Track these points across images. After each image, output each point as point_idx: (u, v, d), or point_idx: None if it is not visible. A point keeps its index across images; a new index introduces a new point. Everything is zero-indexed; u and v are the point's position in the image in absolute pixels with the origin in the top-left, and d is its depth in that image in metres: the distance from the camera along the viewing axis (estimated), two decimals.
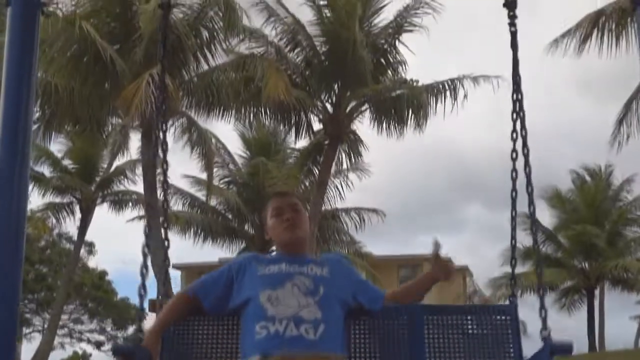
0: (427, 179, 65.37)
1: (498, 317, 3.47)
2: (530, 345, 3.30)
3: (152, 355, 3.28)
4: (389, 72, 21.85)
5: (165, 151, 3.94)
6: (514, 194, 3.66)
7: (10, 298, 2.94)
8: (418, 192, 62.64)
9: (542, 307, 3.34)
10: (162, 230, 3.93)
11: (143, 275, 3.54)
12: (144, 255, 3.57)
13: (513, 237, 3.70)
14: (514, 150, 3.66)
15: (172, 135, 19.80)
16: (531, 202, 3.56)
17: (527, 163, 3.53)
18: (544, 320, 3.28)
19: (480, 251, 68.55)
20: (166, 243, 3.90)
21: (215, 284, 3.46)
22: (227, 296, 3.41)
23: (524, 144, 3.58)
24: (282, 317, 3.16)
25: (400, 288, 3.69)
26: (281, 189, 19.12)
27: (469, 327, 3.45)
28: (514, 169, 3.65)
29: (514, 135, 3.66)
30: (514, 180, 3.65)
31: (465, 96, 19.79)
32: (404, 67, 21.85)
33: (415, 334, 3.45)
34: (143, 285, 3.56)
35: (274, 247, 3.72)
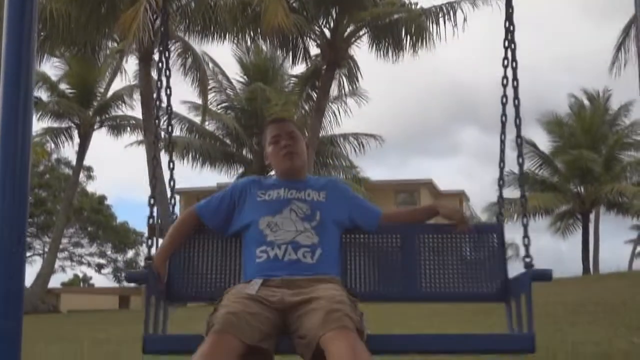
0: (423, 104, 65.29)
1: (485, 235, 3.65)
2: (522, 267, 3.42)
3: (161, 276, 3.48)
4: None
5: (168, 77, 3.98)
6: (503, 118, 3.78)
7: (17, 225, 3.00)
8: (414, 116, 62.64)
9: (526, 235, 3.49)
10: (168, 154, 3.99)
11: (154, 187, 3.76)
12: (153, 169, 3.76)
13: (502, 160, 3.82)
14: (505, 77, 3.74)
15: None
16: (519, 136, 3.65)
17: (516, 95, 3.63)
18: (527, 248, 3.44)
19: (477, 176, 68.87)
20: (171, 165, 3.97)
21: (219, 206, 3.59)
22: (229, 218, 3.56)
23: (514, 76, 3.67)
24: (281, 243, 3.30)
25: (398, 211, 3.82)
26: (278, 115, 19.10)
27: (458, 246, 3.64)
28: (504, 95, 3.74)
29: (505, 62, 3.74)
30: (504, 105, 3.76)
31: (465, 20, 19.60)
32: None
33: (407, 253, 3.63)
34: (153, 197, 3.71)
35: (272, 172, 3.80)
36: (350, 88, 23.14)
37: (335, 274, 3.34)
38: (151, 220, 3.62)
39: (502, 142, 3.79)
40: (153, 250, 3.58)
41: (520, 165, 3.67)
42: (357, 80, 22.63)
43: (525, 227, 3.53)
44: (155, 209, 3.68)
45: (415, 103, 65.00)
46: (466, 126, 72.18)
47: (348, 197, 3.66)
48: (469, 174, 68.06)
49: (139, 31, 15.63)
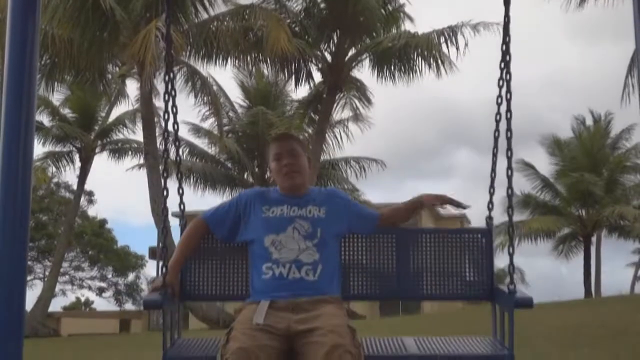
0: (416, 126, 65.40)
1: (475, 237, 3.91)
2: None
3: (175, 290, 3.70)
4: (390, 21, 21.74)
5: (173, 97, 3.97)
6: (496, 134, 3.91)
7: (18, 249, 3.01)
8: (408, 139, 62.73)
9: (511, 263, 3.61)
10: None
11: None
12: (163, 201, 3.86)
13: (493, 170, 3.96)
14: (500, 96, 3.84)
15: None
16: (509, 148, 3.71)
17: (508, 108, 3.72)
18: (511, 275, 3.55)
19: (473, 198, 68.85)
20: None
21: (226, 217, 3.83)
22: (236, 228, 3.81)
23: (508, 91, 3.75)
24: (285, 261, 3.57)
25: (390, 211, 3.99)
26: (282, 132, 19.17)
27: (449, 248, 3.89)
28: (498, 112, 3.88)
29: (500, 82, 3.83)
30: (497, 122, 3.89)
31: (466, 45, 19.65)
32: (404, 17, 21.79)
33: (401, 254, 3.88)
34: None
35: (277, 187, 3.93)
36: (362, 111, 23.22)
37: (336, 292, 3.63)
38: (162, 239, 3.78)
39: (494, 155, 3.94)
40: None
41: (509, 178, 3.71)
42: (370, 103, 22.70)
43: (511, 255, 3.65)
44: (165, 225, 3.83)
45: (408, 125, 65.12)
46: (460, 148, 72.33)
47: (346, 207, 3.89)
48: (465, 196, 68.03)
49: (155, 60, 15.67)
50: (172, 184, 3.80)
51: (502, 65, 3.79)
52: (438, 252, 3.86)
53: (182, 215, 3.97)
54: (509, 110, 3.70)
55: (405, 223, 3.96)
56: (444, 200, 3.90)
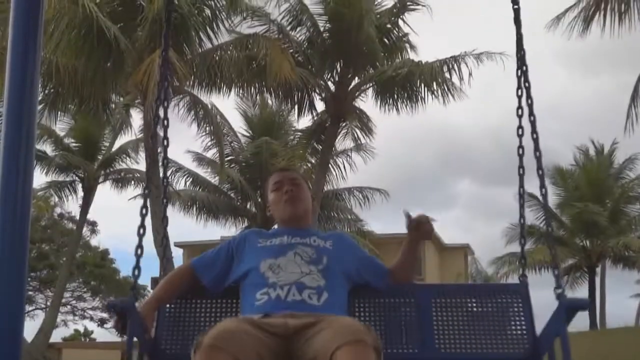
0: (416, 156, 65.47)
1: (509, 297, 3.41)
2: (537, 324, 3.28)
3: (147, 325, 3.23)
4: (393, 50, 21.81)
5: (166, 127, 3.86)
6: (521, 170, 3.58)
7: (17, 279, 2.95)
8: (406, 168, 62.74)
9: (556, 267, 3.28)
10: (162, 208, 3.90)
11: (138, 257, 3.46)
12: (139, 236, 3.48)
13: (522, 216, 3.61)
14: (520, 126, 3.57)
15: (175, 113, 19.74)
16: (542, 186, 3.45)
17: (536, 148, 3.44)
18: (557, 278, 3.20)
19: (473, 228, 68.66)
20: (164, 221, 3.87)
21: (215, 260, 3.40)
22: (227, 271, 3.35)
23: (532, 122, 3.49)
24: (284, 284, 3.05)
25: (393, 264, 3.51)
26: (282, 165, 19.15)
27: (478, 307, 3.40)
28: (521, 146, 3.57)
29: (520, 111, 3.58)
30: (520, 156, 3.57)
31: (470, 74, 19.69)
32: (407, 46, 21.85)
33: (423, 315, 3.38)
34: (137, 267, 3.46)
35: (275, 225, 3.66)
36: (364, 141, 23.20)
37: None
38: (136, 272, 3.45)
39: (521, 196, 3.58)
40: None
41: (544, 196, 3.44)
42: (372, 133, 22.68)
43: (555, 256, 3.33)
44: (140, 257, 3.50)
45: (407, 154, 65.20)
46: (461, 178, 72.35)
47: (355, 250, 3.47)
48: (466, 225, 67.86)
49: (156, 87, 15.67)
50: (174, 214, 3.65)
51: (520, 92, 3.56)
52: (465, 314, 3.38)
53: (165, 248, 3.77)
54: (534, 132, 3.42)
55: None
56: (417, 225, 3.32)
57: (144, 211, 3.49)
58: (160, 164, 3.97)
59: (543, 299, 3.56)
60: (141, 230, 3.45)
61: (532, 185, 3.56)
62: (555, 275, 3.22)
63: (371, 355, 2.50)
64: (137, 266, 3.39)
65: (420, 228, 3.33)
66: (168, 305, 3.47)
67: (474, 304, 3.40)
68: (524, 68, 3.56)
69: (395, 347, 3.34)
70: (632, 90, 17.36)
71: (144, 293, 43.82)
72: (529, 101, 3.51)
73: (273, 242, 3.30)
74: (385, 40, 21.54)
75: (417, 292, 3.43)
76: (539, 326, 3.25)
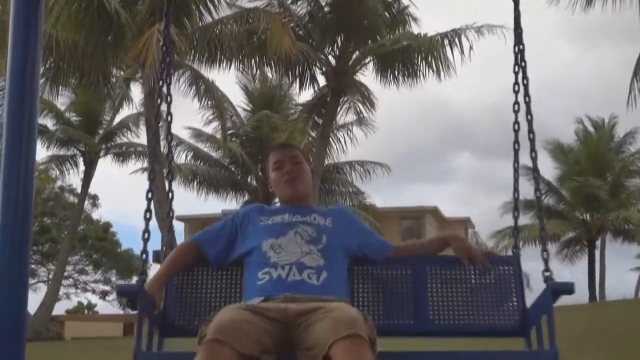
0: (415, 129, 65.45)
1: (501, 268, 3.49)
2: (534, 297, 3.33)
3: (155, 301, 3.29)
4: (394, 24, 21.72)
5: (169, 103, 3.89)
6: (516, 145, 3.64)
7: (20, 252, 2.99)
8: (406, 142, 62.77)
9: (544, 249, 3.33)
10: (167, 182, 3.93)
11: (145, 241, 3.45)
12: (148, 201, 3.52)
13: (516, 189, 3.70)
14: (516, 102, 3.63)
15: (177, 89, 19.70)
16: (533, 149, 3.54)
17: (530, 129, 3.52)
18: (546, 262, 3.28)
19: (474, 201, 68.76)
20: (170, 195, 3.90)
21: (219, 235, 3.47)
22: (231, 247, 3.43)
23: (526, 94, 3.57)
24: (285, 263, 3.15)
25: (409, 244, 3.61)
26: (282, 141, 19.10)
27: (472, 278, 3.48)
28: (516, 121, 3.62)
29: (516, 87, 3.63)
30: (516, 132, 3.62)
31: (471, 48, 19.61)
32: (409, 19, 21.77)
33: (418, 285, 3.46)
34: (147, 230, 3.47)
35: (277, 200, 3.71)
36: (366, 115, 23.15)
37: (344, 296, 3.19)
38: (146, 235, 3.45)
39: (516, 170, 3.68)
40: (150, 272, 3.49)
41: (537, 178, 3.55)
42: (374, 107, 22.62)
43: (544, 240, 3.41)
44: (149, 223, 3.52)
45: (406, 128, 65.12)
46: (460, 152, 72.26)
47: (356, 224, 3.55)
48: (466, 199, 67.97)
49: (155, 62, 15.62)
50: (175, 188, 3.65)
51: (516, 69, 3.62)
52: (459, 283, 3.45)
53: (170, 222, 3.77)
54: (529, 112, 3.52)
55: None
56: (468, 254, 3.46)
57: (149, 195, 3.53)
58: (161, 137, 3.98)
59: (540, 274, 3.60)
60: (147, 215, 3.49)
61: (530, 159, 3.60)
62: (544, 258, 3.30)
63: (366, 349, 2.62)
64: (144, 250, 3.44)
65: (473, 259, 3.48)
66: (175, 280, 3.55)
67: (468, 275, 3.48)
68: (521, 46, 3.61)
69: (391, 318, 3.43)
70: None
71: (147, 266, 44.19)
72: (525, 81, 3.57)
73: (274, 221, 3.37)
74: (386, 13, 21.45)
75: (413, 263, 3.51)
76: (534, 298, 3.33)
